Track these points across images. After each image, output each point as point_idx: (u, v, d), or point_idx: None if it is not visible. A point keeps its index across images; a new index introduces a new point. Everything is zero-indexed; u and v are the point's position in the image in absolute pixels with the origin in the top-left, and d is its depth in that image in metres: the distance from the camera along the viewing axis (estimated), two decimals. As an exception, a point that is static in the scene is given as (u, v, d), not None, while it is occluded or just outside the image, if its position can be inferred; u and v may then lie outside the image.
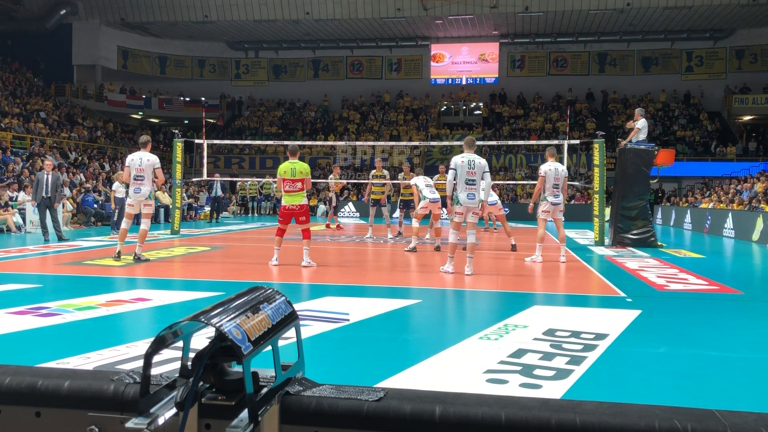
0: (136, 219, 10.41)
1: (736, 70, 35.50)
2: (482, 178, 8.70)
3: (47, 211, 13.79)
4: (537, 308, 6.28)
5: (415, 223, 12.45)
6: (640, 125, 13.76)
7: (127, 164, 10.14)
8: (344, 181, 16.41)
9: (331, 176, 18.38)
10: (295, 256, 10.04)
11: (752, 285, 8.95)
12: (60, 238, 13.56)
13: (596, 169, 14.13)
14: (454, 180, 8.65)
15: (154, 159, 10.05)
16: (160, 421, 0.93)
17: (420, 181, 12.63)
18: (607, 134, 15.57)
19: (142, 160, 9.94)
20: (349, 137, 35.31)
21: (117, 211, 16.02)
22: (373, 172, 15.85)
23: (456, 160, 8.70)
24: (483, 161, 8.80)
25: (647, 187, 14.20)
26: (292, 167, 9.38)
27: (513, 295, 7.57)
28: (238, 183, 27.97)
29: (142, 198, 9.85)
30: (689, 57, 36.38)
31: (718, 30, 33.95)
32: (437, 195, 12.37)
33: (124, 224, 10.13)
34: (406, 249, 12.08)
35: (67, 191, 18.86)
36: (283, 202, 9.55)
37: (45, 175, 13.67)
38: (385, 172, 15.96)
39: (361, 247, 13.49)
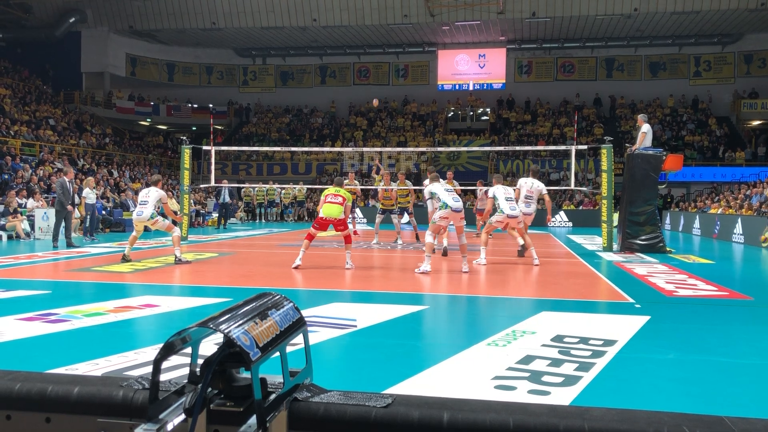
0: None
1: (744, 74, 35.37)
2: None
3: (63, 219, 13.98)
4: (545, 314, 6.26)
5: (484, 236, 11.48)
6: (646, 129, 13.74)
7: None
8: (358, 187, 16.20)
9: (345, 181, 17.98)
10: (309, 261, 10.06)
11: (762, 291, 8.89)
12: (69, 245, 13.64)
13: (604, 175, 14.09)
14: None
15: (161, 194, 11.22)
16: (169, 427, 0.93)
17: (500, 192, 11.33)
18: (614, 139, 15.54)
19: (149, 192, 11.14)
20: (356, 143, 35.36)
21: (88, 216, 16.14)
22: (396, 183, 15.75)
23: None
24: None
25: (655, 193, 14.15)
26: (336, 189, 10.39)
27: (521, 301, 7.55)
28: (243, 189, 28.05)
29: (142, 219, 10.85)
30: (697, 62, 36.27)
31: (726, 35, 33.84)
32: (517, 211, 11.31)
33: (135, 232, 11.10)
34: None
35: (76, 198, 18.95)
36: (322, 214, 10.11)
37: (68, 183, 13.97)
38: (408, 182, 16.05)
39: (367, 252, 13.49)
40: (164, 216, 11.20)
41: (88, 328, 5.40)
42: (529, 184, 12.19)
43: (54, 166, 22.55)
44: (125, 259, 10.68)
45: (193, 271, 10.12)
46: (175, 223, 12.58)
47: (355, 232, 18.74)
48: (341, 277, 9.46)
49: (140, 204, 11.15)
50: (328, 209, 10.00)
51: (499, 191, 11.26)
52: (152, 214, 10.93)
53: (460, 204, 10.10)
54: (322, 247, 14.03)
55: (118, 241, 15.44)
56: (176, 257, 10.76)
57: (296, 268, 9.90)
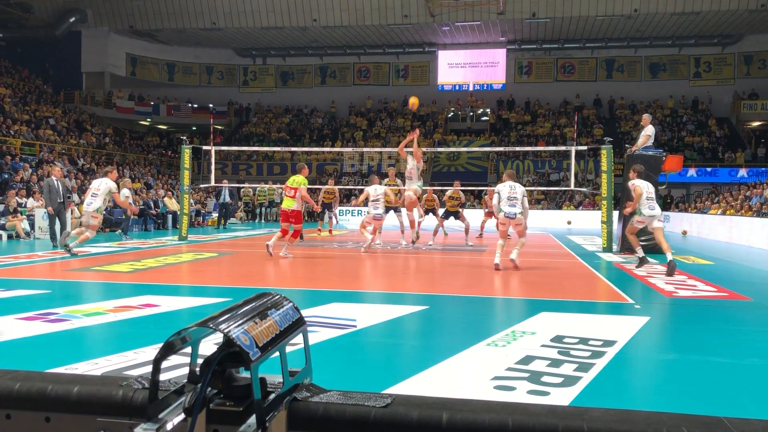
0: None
1: (744, 75, 35.38)
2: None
3: (56, 218, 13.82)
4: (545, 315, 6.26)
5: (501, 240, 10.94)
6: (650, 132, 13.72)
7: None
8: (400, 186, 16.32)
9: (386, 180, 17.28)
10: (310, 260, 10.06)
11: (762, 292, 8.89)
12: (66, 246, 13.55)
13: (604, 176, 14.10)
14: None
15: (111, 185, 12.00)
16: (169, 426, 0.93)
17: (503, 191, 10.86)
18: (614, 140, 15.55)
19: (101, 183, 11.86)
20: (356, 144, 35.38)
21: (123, 216, 16.49)
22: (386, 180, 15.88)
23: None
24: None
25: (655, 194, 14.12)
26: (290, 181, 11.68)
27: (521, 301, 7.56)
28: (243, 189, 28.05)
29: (88, 211, 11.74)
30: (697, 63, 36.29)
31: (726, 36, 33.86)
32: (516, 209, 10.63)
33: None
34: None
35: (75, 197, 18.96)
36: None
37: (55, 181, 13.71)
38: (398, 181, 16.14)
39: (360, 253, 13.48)
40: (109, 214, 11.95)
41: (87, 327, 5.40)
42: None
43: (53, 165, 22.55)
44: (69, 250, 11.43)
45: (193, 270, 10.12)
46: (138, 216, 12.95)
47: (330, 231, 18.87)
48: (341, 277, 9.46)
49: (91, 195, 11.77)
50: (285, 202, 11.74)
51: (504, 190, 10.68)
52: (98, 209, 11.68)
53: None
54: (322, 247, 14.04)
55: (118, 240, 15.45)
56: (67, 245, 11.49)
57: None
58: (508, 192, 10.40)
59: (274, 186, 27.35)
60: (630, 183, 11.23)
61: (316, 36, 35.21)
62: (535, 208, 30.49)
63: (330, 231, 19.62)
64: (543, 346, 4.83)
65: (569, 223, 21.30)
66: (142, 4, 32.46)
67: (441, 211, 16.72)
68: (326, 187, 18.83)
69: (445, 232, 18.20)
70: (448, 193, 16.66)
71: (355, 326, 5.52)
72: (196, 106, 39.06)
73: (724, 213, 21.06)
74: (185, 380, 1.01)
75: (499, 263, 10.10)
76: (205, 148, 18.53)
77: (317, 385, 1.06)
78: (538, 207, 30.70)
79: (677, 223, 25.22)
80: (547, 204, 30.97)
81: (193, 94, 39.62)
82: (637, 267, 10.53)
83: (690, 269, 10.67)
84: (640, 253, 10.64)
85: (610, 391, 3.86)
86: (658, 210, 10.64)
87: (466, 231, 15.94)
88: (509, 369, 4.18)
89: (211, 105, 38.85)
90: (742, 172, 29.71)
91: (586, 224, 25.35)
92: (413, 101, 14.13)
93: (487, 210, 16.92)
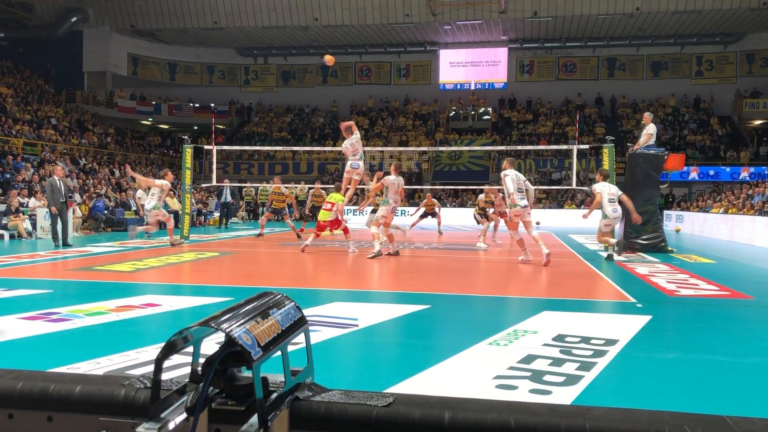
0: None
1: (746, 74, 35.34)
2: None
3: (58, 217, 13.85)
4: (547, 314, 6.25)
5: (516, 236, 11.28)
6: (652, 131, 13.70)
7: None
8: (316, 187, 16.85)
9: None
10: (312, 260, 10.05)
11: (764, 290, 8.88)
12: (65, 244, 13.60)
13: (606, 174, 14.06)
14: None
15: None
16: (171, 425, 0.93)
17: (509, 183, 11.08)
18: (616, 139, 15.54)
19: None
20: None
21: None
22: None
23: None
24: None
25: (657, 192, 14.13)
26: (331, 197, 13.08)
27: (522, 300, 7.55)
28: (244, 188, 28.04)
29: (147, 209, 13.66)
30: (699, 61, 36.25)
31: (728, 34, 33.82)
32: (526, 201, 10.96)
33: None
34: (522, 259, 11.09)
35: (77, 197, 18.98)
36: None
37: (57, 181, 13.76)
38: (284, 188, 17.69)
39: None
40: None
41: (89, 327, 5.40)
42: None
43: (54, 165, 22.57)
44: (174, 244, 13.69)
45: (195, 270, 10.12)
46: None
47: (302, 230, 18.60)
48: (343, 277, 9.46)
49: (150, 195, 13.83)
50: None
51: (510, 180, 10.84)
52: (155, 206, 13.51)
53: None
54: (324, 246, 14.04)
55: (120, 240, 15.46)
56: (173, 243, 13.33)
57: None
58: (518, 184, 10.71)
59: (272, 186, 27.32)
60: (592, 187, 12.26)
61: (318, 35, 35.21)
62: (537, 207, 30.50)
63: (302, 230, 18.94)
64: (545, 345, 4.83)
65: (537, 223, 21.00)
66: (143, 4, 32.48)
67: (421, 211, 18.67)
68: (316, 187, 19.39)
69: (440, 231, 18.79)
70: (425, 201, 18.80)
71: (356, 325, 5.52)
72: (197, 105, 39.09)
73: (726, 212, 21.04)
74: (187, 380, 1.01)
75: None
76: (206, 147, 18.56)
77: (319, 384, 1.06)
78: (540, 206, 30.70)
79: (685, 223, 25.20)
80: (549, 203, 30.95)
81: (194, 93, 39.65)
82: (606, 259, 11.60)
83: (692, 268, 10.66)
84: (612, 246, 11.76)
85: (612, 390, 3.86)
86: (620, 211, 11.71)
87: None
88: (511, 368, 4.17)
89: (212, 104, 38.87)
90: (744, 174, 29.68)
91: (587, 223, 25.29)
92: (328, 58, 14.30)
93: (493, 210, 16.22)
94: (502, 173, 11.14)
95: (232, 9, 32.19)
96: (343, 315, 5.98)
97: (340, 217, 12.78)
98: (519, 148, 29.92)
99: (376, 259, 11.37)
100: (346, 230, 13.20)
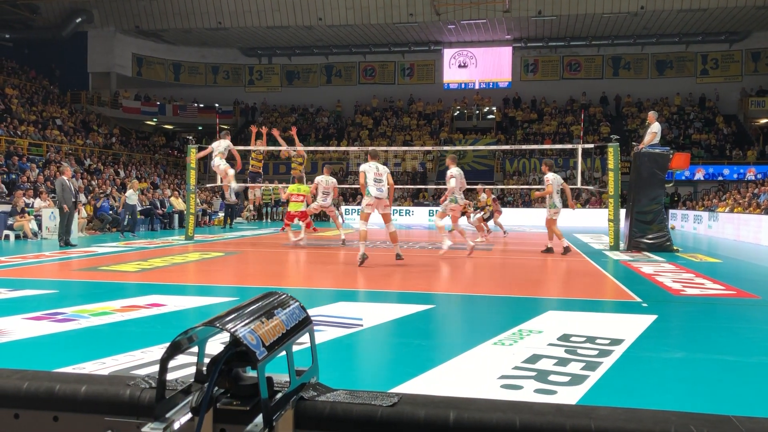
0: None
1: (752, 72, 35.20)
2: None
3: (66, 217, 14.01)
4: (552, 313, 6.25)
5: (458, 227, 12.66)
6: (656, 129, 13.67)
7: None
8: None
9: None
10: (315, 260, 10.06)
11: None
12: (67, 244, 13.67)
13: (611, 174, 14.04)
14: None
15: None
16: (176, 425, 0.93)
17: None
18: (621, 138, 15.51)
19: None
20: (362, 142, 35.37)
21: (128, 215, 16.78)
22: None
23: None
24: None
25: (662, 191, 14.10)
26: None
27: (527, 300, 7.54)
28: (249, 188, 28.01)
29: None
30: (704, 60, 36.12)
31: (733, 32, 33.69)
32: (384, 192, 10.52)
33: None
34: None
35: (82, 197, 19.04)
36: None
37: (68, 181, 14.05)
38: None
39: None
40: None
41: (95, 327, 5.42)
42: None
43: (60, 165, 22.63)
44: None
45: (200, 270, 10.14)
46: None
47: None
48: (347, 276, 9.47)
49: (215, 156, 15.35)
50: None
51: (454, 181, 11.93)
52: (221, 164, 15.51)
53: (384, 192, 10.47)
54: (328, 246, 14.05)
55: (125, 240, 15.50)
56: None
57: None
58: (461, 182, 11.95)
59: (279, 185, 27.34)
60: (545, 177, 12.91)
61: (322, 35, 35.22)
62: (541, 207, 30.46)
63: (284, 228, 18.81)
64: (550, 344, 4.82)
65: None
66: (147, 5, 32.54)
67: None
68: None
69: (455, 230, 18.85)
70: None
71: (361, 325, 5.52)
72: (202, 105, 39.13)
73: (731, 211, 20.97)
74: (192, 380, 1.01)
75: None
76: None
77: (324, 384, 1.06)
78: (544, 205, 30.63)
79: (689, 221, 25.13)
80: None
81: (198, 93, 39.71)
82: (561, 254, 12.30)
83: (698, 267, 10.63)
84: (566, 243, 12.77)
85: (618, 389, 3.85)
86: (561, 203, 12.97)
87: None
88: (516, 368, 4.17)
89: (216, 105, 38.89)
90: (749, 175, 29.56)
91: (593, 222, 25.27)
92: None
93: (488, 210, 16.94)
94: (449, 172, 11.92)
95: (236, 9, 32.22)
96: (348, 315, 5.98)
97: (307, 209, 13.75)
98: (524, 147, 29.86)
99: (378, 260, 11.37)
100: (309, 224, 14.18)
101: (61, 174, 14.53)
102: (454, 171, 11.91)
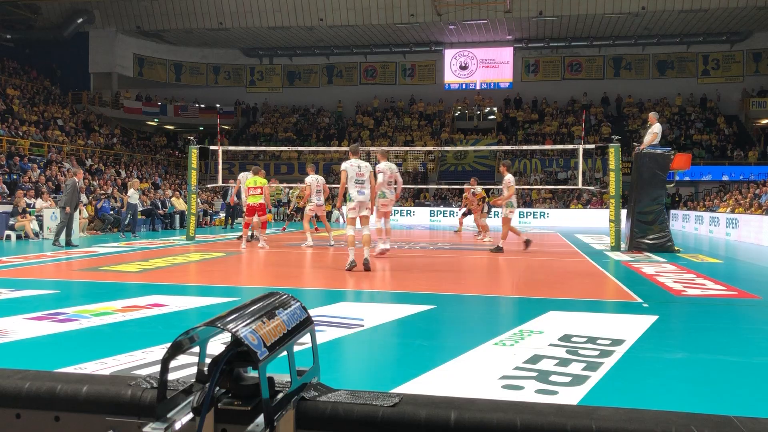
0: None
1: (753, 73, 35.18)
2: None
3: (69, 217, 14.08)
4: (553, 314, 6.24)
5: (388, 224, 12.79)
6: (657, 130, 13.67)
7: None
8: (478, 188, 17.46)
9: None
10: (316, 260, 10.06)
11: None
12: (68, 245, 13.69)
13: (612, 174, 14.04)
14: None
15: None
16: (177, 425, 0.93)
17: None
18: (622, 139, 15.50)
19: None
20: (363, 143, 35.39)
21: (129, 215, 16.85)
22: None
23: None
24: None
25: (663, 192, 14.09)
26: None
27: (528, 300, 7.54)
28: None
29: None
30: (705, 60, 36.11)
31: (734, 33, 33.68)
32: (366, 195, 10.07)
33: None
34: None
35: (84, 197, 19.05)
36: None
37: (77, 182, 14.21)
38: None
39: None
40: None
41: (96, 327, 5.42)
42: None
43: (62, 166, 22.66)
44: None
45: (201, 270, 10.14)
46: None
47: (316, 229, 18.48)
48: (348, 277, 9.46)
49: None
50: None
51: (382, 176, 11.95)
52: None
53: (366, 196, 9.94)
54: (327, 246, 14.05)
55: (126, 240, 15.51)
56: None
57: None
58: (389, 177, 12.11)
59: (281, 186, 27.39)
60: (505, 179, 13.00)
61: (323, 35, 35.23)
62: (542, 206, 30.47)
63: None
64: (551, 345, 4.82)
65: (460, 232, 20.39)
66: (149, 5, 32.57)
67: None
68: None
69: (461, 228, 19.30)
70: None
71: (362, 326, 5.52)
72: (203, 106, 39.16)
73: (733, 211, 20.96)
74: (193, 380, 1.01)
75: None
76: (212, 148, 18.57)
77: (325, 384, 1.07)
78: (545, 206, 30.65)
79: (691, 222, 25.12)
80: (555, 203, 30.90)
81: (200, 94, 39.73)
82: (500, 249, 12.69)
83: (699, 268, 10.63)
84: (524, 237, 13.47)
85: (619, 390, 3.85)
86: (516, 202, 13.45)
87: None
88: (517, 368, 4.17)
89: (218, 105, 38.93)
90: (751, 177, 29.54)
91: (594, 223, 25.28)
92: None
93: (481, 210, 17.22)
94: (377, 167, 11.79)
95: (238, 10, 32.24)
96: (349, 315, 5.99)
97: (266, 202, 13.65)
98: (525, 147, 29.84)
99: (381, 259, 11.37)
100: (264, 223, 13.83)
101: (74, 175, 14.65)
102: (381, 166, 12.02)
